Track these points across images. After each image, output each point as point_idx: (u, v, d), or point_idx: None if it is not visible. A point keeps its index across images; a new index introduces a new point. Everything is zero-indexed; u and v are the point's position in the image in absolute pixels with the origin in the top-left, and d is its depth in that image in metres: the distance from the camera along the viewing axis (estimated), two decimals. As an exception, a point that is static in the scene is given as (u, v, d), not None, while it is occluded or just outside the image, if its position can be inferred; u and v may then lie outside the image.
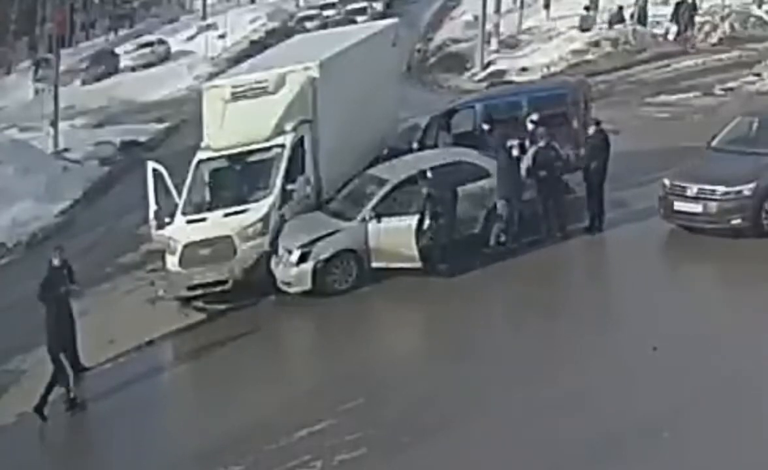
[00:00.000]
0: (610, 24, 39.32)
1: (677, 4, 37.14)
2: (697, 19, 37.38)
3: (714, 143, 18.83)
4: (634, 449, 11.79)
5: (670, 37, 37.54)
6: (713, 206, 17.47)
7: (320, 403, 14.45)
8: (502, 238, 18.70)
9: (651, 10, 39.76)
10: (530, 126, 20.28)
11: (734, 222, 17.34)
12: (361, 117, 21.45)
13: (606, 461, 11.73)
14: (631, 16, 39.42)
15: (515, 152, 18.86)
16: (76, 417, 16.30)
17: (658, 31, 38.39)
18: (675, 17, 36.98)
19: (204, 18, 62.65)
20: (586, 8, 40.27)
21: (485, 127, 21.59)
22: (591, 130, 19.90)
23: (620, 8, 39.90)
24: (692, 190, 17.67)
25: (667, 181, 18.09)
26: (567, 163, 19.65)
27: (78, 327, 17.10)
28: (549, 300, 16.94)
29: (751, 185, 17.29)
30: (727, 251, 17.00)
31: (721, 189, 17.43)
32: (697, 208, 17.58)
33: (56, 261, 17.22)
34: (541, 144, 19.19)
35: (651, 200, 18.35)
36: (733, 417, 11.99)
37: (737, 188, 17.34)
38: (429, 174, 18.49)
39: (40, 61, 42.38)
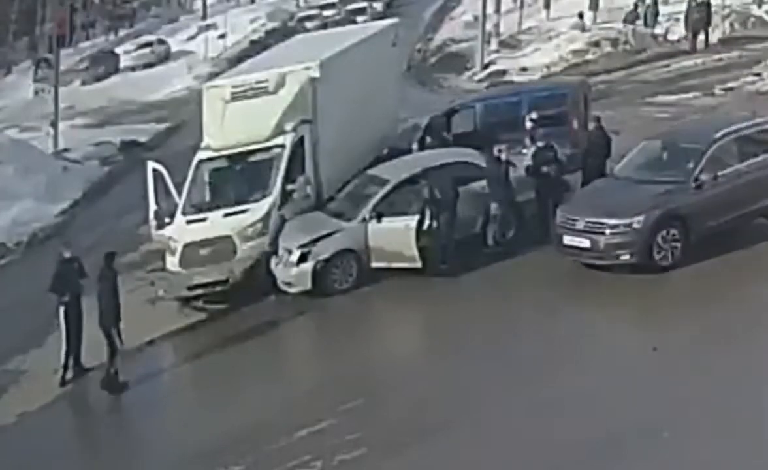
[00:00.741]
0: (625, 22, 39.15)
1: (696, 5, 36.41)
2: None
3: (616, 170, 17.98)
4: (634, 449, 11.79)
5: (671, 36, 37.44)
6: (601, 241, 16.54)
7: (320, 403, 14.45)
8: (500, 238, 18.71)
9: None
10: (529, 124, 20.30)
11: (623, 257, 16.47)
12: (361, 117, 21.44)
13: (606, 461, 11.73)
14: (637, 15, 39.37)
15: (503, 156, 18.89)
16: (75, 417, 16.31)
17: (659, 31, 38.34)
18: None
19: (204, 18, 62.62)
20: (580, 15, 40.27)
21: (426, 139, 21.59)
22: (591, 126, 19.96)
23: (636, 6, 39.68)
24: (580, 223, 16.82)
25: (559, 213, 17.34)
26: (566, 163, 19.65)
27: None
28: (549, 300, 16.93)
29: (640, 217, 16.38)
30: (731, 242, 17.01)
31: (609, 222, 16.53)
32: (585, 242, 16.71)
33: (67, 254, 17.33)
34: (540, 144, 19.23)
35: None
36: (734, 417, 11.98)
37: (626, 221, 16.42)
38: (431, 173, 18.45)
39: (40, 61, 42.28)
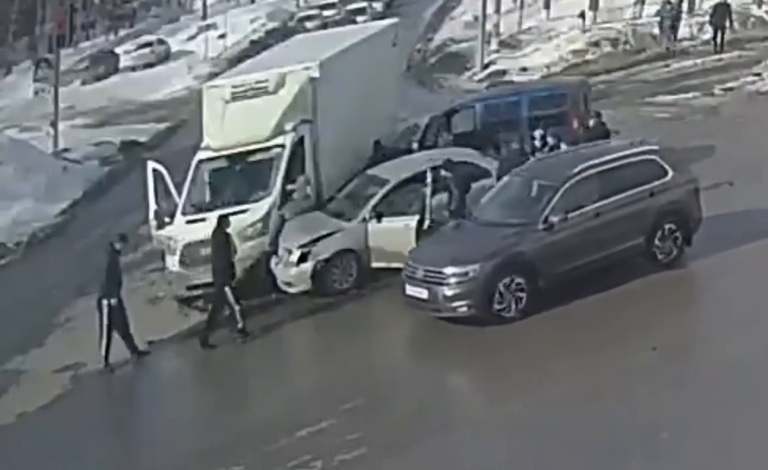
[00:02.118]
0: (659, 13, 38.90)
1: (715, 6, 36.06)
2: (697, 19, 37.18)
3: (474, 210, 16.76)
4: (634, 449, 11.79)
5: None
6: (440, 291, 15.33)
7: (320, 403, 14.45)
8: None
9: (646, 10, 39.73)
10: (539, 142, 20.26)
11: (460, 310, 15.28)
12: (361, 117, 21.44)
13: (606, 461, 11.72)
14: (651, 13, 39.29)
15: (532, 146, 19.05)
16: (73, 418, 16.32)
17: (657, 30, 38.27)
18: (712, 20, 36.01)
19: (204, 18, 62.70)
20: (581, 15, 40.19)
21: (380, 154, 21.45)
22: (591, 122, 20.04)
23: (664, 5, 38.87)
24: (420, 271, 15.66)
25: (407, 261, 16.27)
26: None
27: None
28: (549, 300, 16.90)
29: (476, 266, 15.13)
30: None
31: (446, 271, 15.33)
32: (424, 293, 15.53)
33: (118, 246, 17.34)
34: (551, 141, 19.36)
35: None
36: (733, 418, 11.98)
37: (462, 269, 15.18)
38: (449, 166, 18.32)
39: (40, 61, 42.37)
